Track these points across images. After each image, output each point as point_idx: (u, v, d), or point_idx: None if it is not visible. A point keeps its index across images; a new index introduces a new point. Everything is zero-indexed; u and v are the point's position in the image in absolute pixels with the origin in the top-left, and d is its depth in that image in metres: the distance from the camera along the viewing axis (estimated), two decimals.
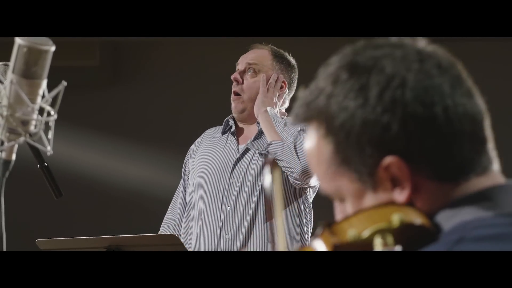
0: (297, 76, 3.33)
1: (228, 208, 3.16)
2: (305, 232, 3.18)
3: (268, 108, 3.17)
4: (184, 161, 3.41)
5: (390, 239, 1.11)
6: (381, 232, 1.12)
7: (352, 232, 1.13)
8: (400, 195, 1.14)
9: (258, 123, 3.23)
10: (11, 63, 1.47)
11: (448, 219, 1.12)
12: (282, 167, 3.06)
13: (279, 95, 3.26)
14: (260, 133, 3.24)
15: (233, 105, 3.29)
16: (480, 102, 1.17)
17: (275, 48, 3.34)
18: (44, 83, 1.48)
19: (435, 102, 1.12)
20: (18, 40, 1.46)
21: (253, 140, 3.24)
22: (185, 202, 3.33)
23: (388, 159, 1.12)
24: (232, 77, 3.28)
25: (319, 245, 1.15)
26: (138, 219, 5.58)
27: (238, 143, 3.28)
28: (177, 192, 3.40)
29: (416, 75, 1.13)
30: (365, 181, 1.15)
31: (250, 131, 3.30)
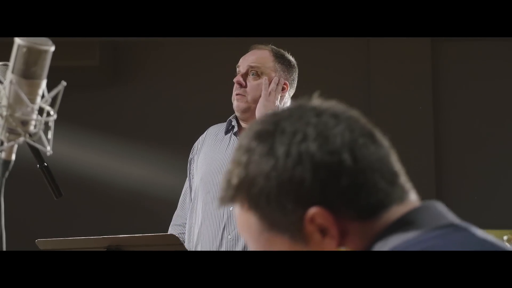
0: (297, 75, 3.33)
1: (230, 209, 3.16)
2: None
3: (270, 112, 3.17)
4: (189, 159, 3.41)
5: None
6: None
7: None
8: (331, 243, 1.18)
9: None
10: (11, 63, 1.47)
11: (382, 248, 1.17)
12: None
13: (281, 97, 3.26)
14: None
15: (235, 104, 3.28)
16: (383, 140, 1.23)
17: (276, 48, 3.34)
18: (43, 83, 1.48)
19: (339, 147, 1.18)
20: (18, 40, 1.46)
21: None
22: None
23: (311, 211, 1.17)
24: (235, 80, 3.28)
25: None
26: (138, 219, 5.58)
27: None
28: (184, 190, 3.39)
29: (316, 128, 1.20)
30: (296, 238, 1.19)
31: None
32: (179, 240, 2.97)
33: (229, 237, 3.14)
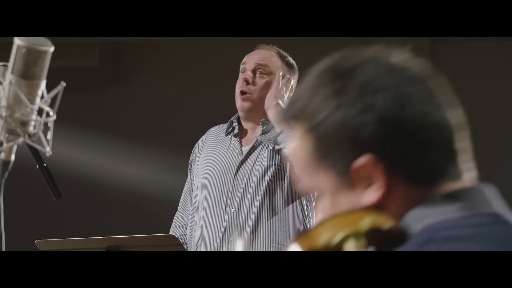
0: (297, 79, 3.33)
1: (232, 211, 3.16)
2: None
3: (280, 102, 3.17)
4: (190, 160, 3.40)
5: (360, 243, 1.15)
6: (352, 236, 1.16)
7: (324, 237, 1.17)
8: (373, 195, 1.18)
9: (262, 124, 3.23)
10: (10, 64, 1.47)
11: (417, 221, 1.16)
12: (289, 156, 3.05)
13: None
14: (264, 132, 3.23)
15: (240, 103, 3.26)
16: (456, 116, 1.23)
17: (281, 50, 3.33)
18: (43, 84, 1.48)
19: (406, 109, 1.19)
20: (17, 41, 1.46)
21: (258, 137, 3.24)
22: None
23: (363, 158, 1.18)
24: (242, 77, 3.25)
25: (295, 249, 1.19)
26: (137, 219, 5.58)
27: (241, 145, 3.27)
28: (185, 191, 3.39)
29: (390, 84, 1.20)
30: (342, 178, 1.20)
31: (254, 132, 3.29)
32: (179, 240, 2.97)
33: (231, 238, 3.13)
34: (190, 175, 3.37)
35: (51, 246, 2.76)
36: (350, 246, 1.15)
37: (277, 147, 3.15)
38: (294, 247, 1.19)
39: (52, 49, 1.48)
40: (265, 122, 3.23)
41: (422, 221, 1.16)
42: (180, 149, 4.15)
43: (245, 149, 3.25)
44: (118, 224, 5.02)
